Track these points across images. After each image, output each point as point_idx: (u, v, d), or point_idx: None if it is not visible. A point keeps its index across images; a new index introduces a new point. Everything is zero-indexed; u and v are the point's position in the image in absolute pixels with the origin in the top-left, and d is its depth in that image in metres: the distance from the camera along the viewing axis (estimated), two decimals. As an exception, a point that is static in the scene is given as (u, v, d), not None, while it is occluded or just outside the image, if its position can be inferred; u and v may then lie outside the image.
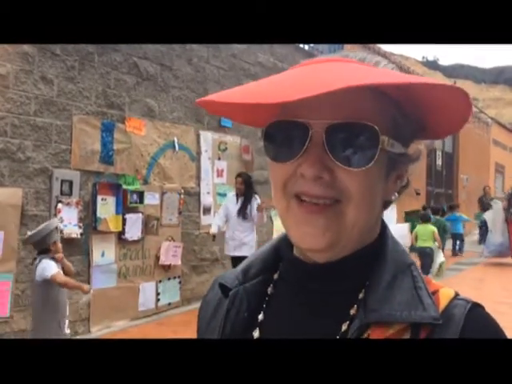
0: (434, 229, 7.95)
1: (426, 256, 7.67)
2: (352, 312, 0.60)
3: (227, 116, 0.70)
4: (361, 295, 0.61)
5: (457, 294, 0.61)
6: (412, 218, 9.59)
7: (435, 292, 0.61)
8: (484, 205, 13.86)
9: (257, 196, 5.79)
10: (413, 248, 7.64)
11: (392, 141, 0.59)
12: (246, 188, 5.73)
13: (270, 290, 0.68)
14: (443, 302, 0.59)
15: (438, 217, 9.54)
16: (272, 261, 0.70)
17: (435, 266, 7.68)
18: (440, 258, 7.79)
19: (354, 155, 0.57)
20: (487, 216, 11.32)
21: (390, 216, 7.68)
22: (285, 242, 0.68)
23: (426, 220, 8.11)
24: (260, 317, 0.66)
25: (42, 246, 3.69)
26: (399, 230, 7.65)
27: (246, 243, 5.65)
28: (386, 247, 0.64)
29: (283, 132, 0.60)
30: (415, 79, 0.53)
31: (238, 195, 5.77)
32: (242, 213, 5.66)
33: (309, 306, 0.63)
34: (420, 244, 7.77)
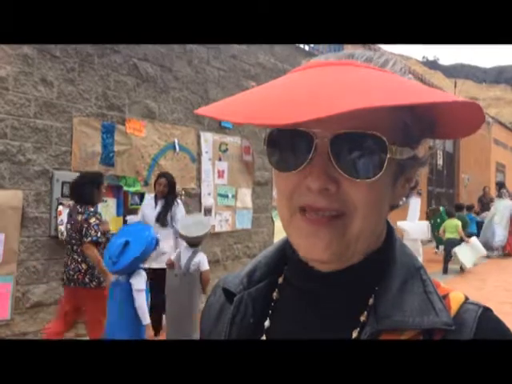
0: (459, 222, 9.68)
1: (454, 245, 9.29)
2: (362, 319, 0.59)
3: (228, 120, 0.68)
4: (371, 301, 0.59)
5: (467, 298, 0.60)
6: (434, 216, 11.03)
7: (445, 296, 0.59)
8: (483, 205, 14.08)
9: (179, 201, 5.14)
10: (439, 240, 9.59)
11: (401, 148, 0.57)
12: (169, 191, 5.02)
13: (275, 294, 0.67)
14: (454, 307, 0.58)
15: (459, 213, 10.80)
16: (277, 264, 0.69)
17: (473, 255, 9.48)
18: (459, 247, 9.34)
19: (361, 166, 0.55)
20: (495, 209, 12.11)
21: (415, 213, 9.03)
22: (290, 245, 0.66)
23: (452, 215, 9.95)
24: (266, 323, 0.65)
25: (197, 242, 4.13)
26: (420, 227, 8.94)
27: (165, 253, 4.82)
28: (394, 251, 0.62)
29: (287, 141, 0.57)
30: (428, 97, 0.50)
31: (157, 198, 5.02)
32: (162, 219, 4.91)
33: (316, 312, 0.62)
34: (448, 236, 9.52)
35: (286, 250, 0.68)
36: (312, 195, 0.56)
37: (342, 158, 0.55)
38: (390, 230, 0.65)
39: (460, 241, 9.49)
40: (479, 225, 12.16)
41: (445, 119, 0.59)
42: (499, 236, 11.61)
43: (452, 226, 9.59)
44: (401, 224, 8.88)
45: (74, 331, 4.84)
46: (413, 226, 8.74)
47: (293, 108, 0.48)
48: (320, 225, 0.56)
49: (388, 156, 0.55)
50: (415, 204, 9.09)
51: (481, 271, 9.89)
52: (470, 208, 12.31)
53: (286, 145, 0.57)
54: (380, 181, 0.56)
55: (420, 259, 7.81)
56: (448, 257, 9.30)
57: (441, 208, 11.40)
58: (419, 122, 0.59)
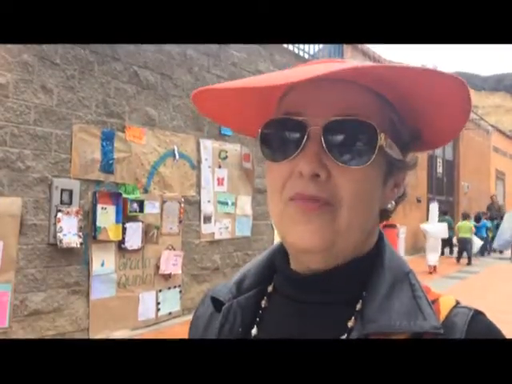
0: (471, 224, 12.60)
1: (466, 243, 12.24)
2: (350, 324, 0.58)
3: (221, 121, 0.69)
4: (358, 306, 0.59)
5: (457, 302, 0.59)
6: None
7: (435, 301, 0.59)
8: (492, 212, 14.79)
9: None
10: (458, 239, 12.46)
11: (390, 142, 0.58)
12: None
13: (263, 303, 0.66)
14: (444, 311, 0.58)
15: (446, 216, 13.60)
16: (266, 273, 0.68)
17: (475, 247, 12.55)
18: (477, 241, 12.68)
19: (352, 153, 0.56)
20: (506, 216, 13.96)
21: (434, 216, 11.08)
22: (279, 253, 0.66)
23: (465, 218, 12.77)
24: (253, 331, 0.64)
25: None
26: (439, 227, 11.02)
27: None
28: (382, 256, 0.62)
29: (280, 130, 0.59)
30: (409, 66, 0.52)
31: None
32: None
33: (304, 320, 0.61)
34: (461, 235, 12.25)
35: (276, 259, 0.67)
36: (303, 182, 0.56)
37: (333, 145, 0.56)
38: (381, 237, 0.65)
39: (470, 239, 12.44)
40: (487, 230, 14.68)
41: (431, 119, 0.60)
42: (503, 240, 13.25)
43: (465, 227, 12.28)
44: (423, 226, 11.15)
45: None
46: (433, 227, 10.87)
47: (276, 77, 0.52)
48: (310, 210, 0.57)
49: (378, 144, 0.56)
50: (433, 208, 11.22)
51: (483, 280, 9.87)
52: (484, 215, 14.94)
53: (280, 135, 0.59)
54: (370, 172, 0.57)
55: (438, 254, 9.17)
56: (462, 250, 12.38)
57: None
58: (406, 128, 0.60)
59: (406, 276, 0.60)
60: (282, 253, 0.65)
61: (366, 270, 0.61)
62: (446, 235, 11.37)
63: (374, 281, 0.59)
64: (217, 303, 0.67)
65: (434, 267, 10.55)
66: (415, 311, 0.56)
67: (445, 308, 0.58)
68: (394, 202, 0.64)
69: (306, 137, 0.56)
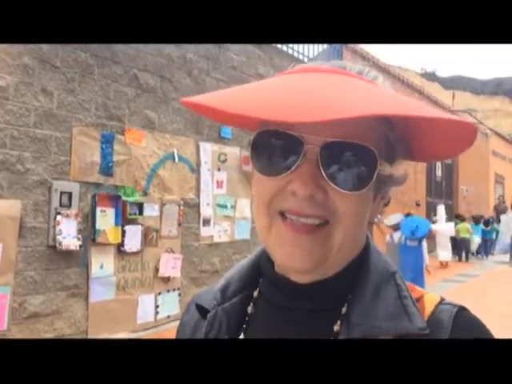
0: (469, 225, 13.98)
1: (465, 242, 13.71)
2: (336, 328, 0.58)
3: (221, 122, 0.67)
4: (344, 310, 0.58)
5: (442, 299, 0.60)
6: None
7: (420, 298, 0.59)
8: (499, 212, 15.26)
9: None
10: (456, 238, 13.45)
11: (385, 164, 0.58)
12: None
13: (249, 308, 0.65)
14: (429, 308, 0.58)
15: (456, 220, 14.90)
16: (252, 276, 0.67)
17: (474, 245, 14.29)
18: (476, 239, 14.32)
19: (350, 178, 0.54)
20: (502, 219, 15.15)
21: (442, 217, 12.29)
22: (265, 258, 0.65)
23: (463, 220, 14.14)
24: (240, 338, 0.63)
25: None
26: (448, 227, 12.27)
27: None
28: (368, 259, 0.62)
29: (274, 143, 0.55)
30: (421, 111, 0.50)
31: None
32: None
33: (291, 325, 0.60)
34: (461, 235, 13.52)
35: (261, 263, 0.66)
36: (296, 201, 0.54)
37: (331, 167, 0.54)
38: (367, 240, 0.65)
39: (469, 238, 13.81)
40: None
41: (426, 139, 0.59)
42: (503, 244, 14.57)
43: (463, 229, 13.58)
44: (434, 226, 12.01)
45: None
46: (443, 227, 12.10)
47: (284, 108, 0.47)
48: (302, 233, 0.55)
49: (377, 170, 0.55)
50: (441, 210, 12.40)
51: (482, 284, 9.85)
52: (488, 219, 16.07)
53: (273, 148, 0.56)
54: (365, 194, 0.56)
55: (449, 252, 10.59)
56: (462, 249, 13.78)
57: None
58: (399, 142, 0.60)
59: (391, 276, 0.60)
60: (267, 257, 0.63)
61: (353, 272, 0.61)
62: (453, 233, 12.73)
63: (360, 284, 0.59)
64: (202, 310, 0.66)
65: (446, 263, 11.87)
66: (400, 312, 0.56)
67: (429, 305, 0.58)
68: (380, 216, 0.65)
69: (302, 155, 0.54)
